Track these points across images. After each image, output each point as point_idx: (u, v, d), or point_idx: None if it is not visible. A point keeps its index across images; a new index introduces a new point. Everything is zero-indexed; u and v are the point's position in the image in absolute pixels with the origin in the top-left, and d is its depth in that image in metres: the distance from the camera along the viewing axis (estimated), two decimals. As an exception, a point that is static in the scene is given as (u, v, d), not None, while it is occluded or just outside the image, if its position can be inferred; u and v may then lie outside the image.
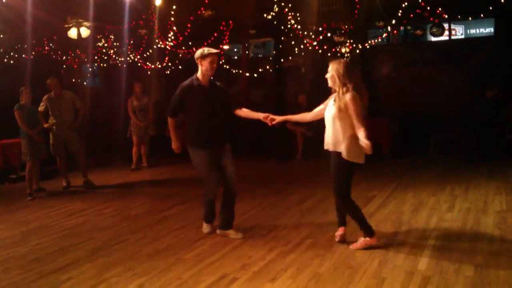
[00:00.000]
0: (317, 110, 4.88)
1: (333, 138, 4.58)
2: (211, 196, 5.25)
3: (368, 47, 11.33)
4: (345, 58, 4.70)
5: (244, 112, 5.22)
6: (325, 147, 4.71)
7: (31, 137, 7.84)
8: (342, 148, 4.51)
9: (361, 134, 4.37)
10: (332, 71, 4.51)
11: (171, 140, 5.35)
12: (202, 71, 5.10)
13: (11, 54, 12.29)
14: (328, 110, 4.63)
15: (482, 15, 10.48)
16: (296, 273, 4.13)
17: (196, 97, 5.06)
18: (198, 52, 5.09)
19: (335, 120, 4.52)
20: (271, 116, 5.02)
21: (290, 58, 12.21)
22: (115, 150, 10.88)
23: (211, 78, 5.19)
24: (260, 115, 5.06)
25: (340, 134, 4.52)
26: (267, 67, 12.28)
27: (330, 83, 4.59)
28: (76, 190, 8.37)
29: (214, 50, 5.11)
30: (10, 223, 6.39)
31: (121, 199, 7.48)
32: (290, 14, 10.88)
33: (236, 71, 12.42)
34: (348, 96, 4.42)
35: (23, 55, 12.08)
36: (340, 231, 4.90)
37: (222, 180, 5.15)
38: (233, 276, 4.14)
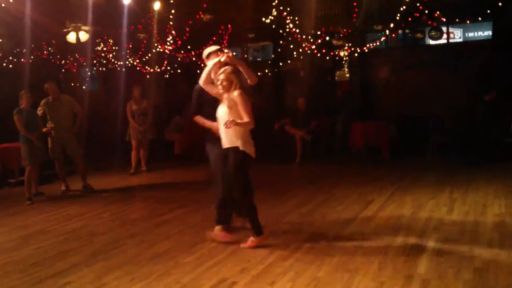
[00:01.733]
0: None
1: (228, 136, 4.83)
2: (227, 194, 5.09)
3: (366, 50, 11.36)
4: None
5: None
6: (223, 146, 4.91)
7: (31, 141, 7.83)
8: (239, 143, 4.77)
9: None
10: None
11: (211, 129, 5.16)
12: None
13: (10, 58, 12.31)
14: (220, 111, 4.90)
15: (480, 19, 10.51)
16: (295, 277, 4.12)
17: (208, 97, 5.10)
18: (206, 52, 5.22)
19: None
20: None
21: (289, 61, 12.24)
22: (114, 154, 10.87)
23: None
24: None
25: (234, 130, 4.76)
26: (266, 70, 12.30)
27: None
28: (75, 194, 8.37)
29: (214, 48, 5.19)
30: (9, 227, 6.38)
31: (120, 203, 7.47)
32: (288, 18, 10.92)
33: (235, 74, 12.41)
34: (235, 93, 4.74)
35: (22, 59, 12.10)
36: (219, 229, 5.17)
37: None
38: (233, 280, 4.13)
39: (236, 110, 4.73)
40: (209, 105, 5.11)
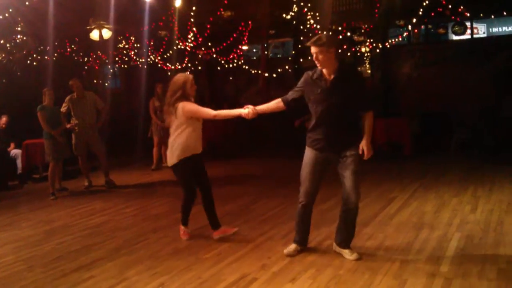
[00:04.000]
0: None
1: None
2: (301, 204, 4.72)
3: (388, 46, 11.23)
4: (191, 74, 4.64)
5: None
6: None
7: (54, 137, 7.95)
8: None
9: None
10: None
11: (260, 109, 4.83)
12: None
13: (34, 56, 12.51)
14: None
15: (505, 13, 10.30)
16: (316, 274, 4.11)
17: (306, 92, 4.58)
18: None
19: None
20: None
21: (309, 58, 12.15)
22: (136, 150, 10.98)
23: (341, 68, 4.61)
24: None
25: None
26: (286, 67, 12.26)
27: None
28: (98, 190, 8.47)
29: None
30: (34, 222, 6.50)
31: (142, 199, 7.54)
32: (309, 13, 10.85)
33: (255, 71, 12.43)
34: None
35: (46, 57, 12.28)
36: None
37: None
38: (253, 276, 4.14)
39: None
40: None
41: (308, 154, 4.57)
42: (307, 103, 4.55)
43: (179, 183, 5.29)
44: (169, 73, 13.12)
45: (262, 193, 7.38)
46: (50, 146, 7.99)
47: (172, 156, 5.21)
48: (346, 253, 4.47)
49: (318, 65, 4.48)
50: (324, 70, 4.47)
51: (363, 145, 4.37)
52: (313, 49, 4.44)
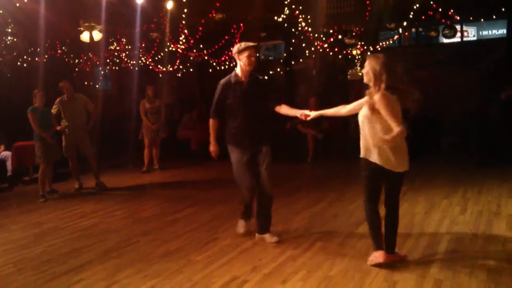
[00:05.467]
0: (354, 104, 4.39)
1: (363, 142, 4.23)
2: (247, 198, 5.10)
3: (379, 49, 11.29)
4: (382, 54, 4.27)
5: (283, 108, 5.04)
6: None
7: (45, 139, 7.91)
8: (374, 157, 4.13)
9: (393, 134, 4.00)
10: (368, 67, 4.13)
11: (210, 143, 5.11)
12: (241, 66, 4.99)
13: (25, 57, 12.44)
14: (362, 110, 4.22)
15: (494, 17, 10.40)
16: (306, 276, 4.12)
17: (234, 95, 4.93)
18: (235, 48, 5.00)
19: (365, 122, 4.16)
20: (306, 112, 4.86)
21: (301, 60, 12.21)
22: (126, 153, 10.94)
23: (252, 73, 5.04)
24: (297, 112, 4.94)
25: (370, 139, 4.13)
26: (278, 69, 12.28)
27: (365, 80, 4.18)
28: (88, 192, 8.43)
29: (251, 44, 5.01)
30: (23, 225, 6.45)
31: (133, 201, 7.52)
32: (300, 16, 10.88)
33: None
34: (377, 97, 4.01)
35: (36, 58, 12.22)
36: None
37: (256, 182, 4.98)
38: (244, 279, 4.14)
39: (378, 115, 4.06)
40: (237, 99, 4.93)
41: (235, 155, 4.99)
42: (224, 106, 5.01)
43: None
44: (160, 75, 13.11)
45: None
46: (41, 148, 7.94)
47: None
48: (267, 237, 5.05)
49: (250, 67, 4.96)
50: (240, 74, 4.99)
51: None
52: (251, 52, 4.95)
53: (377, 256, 4.21)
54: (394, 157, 4.14)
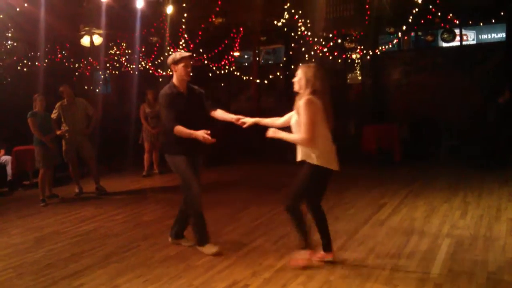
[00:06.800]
0: (288, 115, 4.55)
1: (298, 147, 4.38)
2: (198, 206, 5.01)
3: (378, 53, 11.32)
4: (314, 64, 4.47)
5: (218, 113, 5.04)
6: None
7: (45, 144, 7.91)
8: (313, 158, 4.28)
9: (294, 136, 4.27)
10: (301, 75, 4.31)
11: (196, 138, 4.75)
12: (177, 76, 4.91)
13: (25, 61, 12.46)
14: (293, 116, 4.40)
15: (493, 20, 10.43)
16: (306, 280, 4.12)
17: (179, 106, 4.84)
18: (170, 58, 4.90)
19: (295, 126, 4.33)
20: (242, 119, 4.79)
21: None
22: (127, 157, 10.95)
23: (187, 83, 5.00)
24: (233, 117, 4.86)
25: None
26: (278, 73, 12.31)
27: (296, 88, 4.36)
28: (88, 196, 8.43)
29: (186, 54, 4.92)
30: (23, 229, 6.45)
31: (133, 205, 7.52)
32: (300, 20, 10.91)
33: (247, 77, 12.46)
34: (301, 101, 4.20)
35: (36, 63, 12.24)
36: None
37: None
38: (244, 283, 4.14)
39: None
40: (179, 109, 4.84)
41: (182, 162, 4.92)
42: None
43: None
44: (160, 80, 13.12)
45: (251, 200, 7.38)
46: (41, 153, 7.95)
47: None
48: (184, 241, 5.26)
49: (186, 77, 4.92)
50: (178, 85, 4.94)
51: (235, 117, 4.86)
52: (187, 62, 4.88)
53: (327, 255, 4.46)
54: (330, 156, 4.34)
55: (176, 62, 4.87)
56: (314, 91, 4.22)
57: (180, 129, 4.76)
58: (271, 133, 4.38)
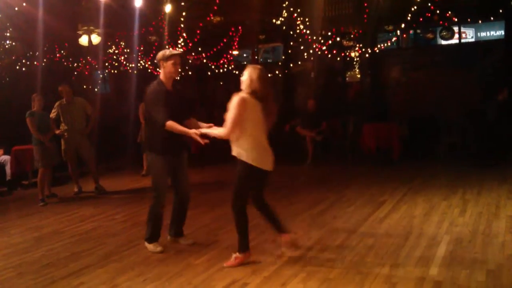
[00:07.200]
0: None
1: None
2: (161, 207, 5.10)
3: (377, 51, 11.32)
4: (261, 67, 4.52)
5: (191, 122, 4.96)
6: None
7: (43, 143, 7.91)
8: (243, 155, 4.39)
9: (217, 131, 4.44)
10: (247, 75, 4.41)
11: (187, 135, 4.74)
12: (165, 73, 4.91)
13: (23, 61, 12.44)
14: None
15: (492, 18, 10.43)
16: (306, 278, 4.12)
17: (168, 102, 4.82)
18: (160, 54, 4.91)
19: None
20: (199, 133, 4.59)
21: (299, 63, 12.23)
22: (126, 156, 10.94)
23: (173, 82, 5.03)
24: (191, 132, 4.64)
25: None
26: (277, 72, 12.30)
27: (242, 87, 4.44)
28: (88, 196, 8.43)
29: (176, 52, 4.98)
30: (23, 229, 6.45)
31: (132, 205, 7.51)
32: (298, 19, 10.91)
33: (246, 76, 12.44)
34: (235, 98, 4.30)
35: (35, 62, 12.23)
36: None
37: (175, 187, 5.14)
38: (244, 282, 4.14)
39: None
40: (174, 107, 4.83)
41: (158, 162, 4.95)
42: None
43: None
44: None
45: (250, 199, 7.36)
46: (39, 152, 7.94)
47: None
48: (182, 239, 5.25)
49: (175, 74, 4.96)
50: (165, 81, 4.95)
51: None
52: (177, 60, 4.91)
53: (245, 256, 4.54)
54: (260, 155, 4.44)
55: (165, 58, 4.88)
56: (252, 91, 4.34)
57: (172, 124, 4.71)
58: (194, 135, 4.54)
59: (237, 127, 4.30)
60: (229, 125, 4.30)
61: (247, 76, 4.40)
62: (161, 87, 4.92)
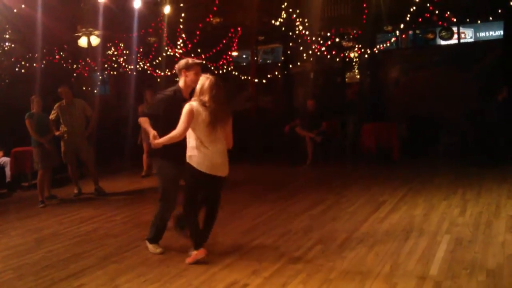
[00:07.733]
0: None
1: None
2: (168, 213, 5.13)
3: (376, 51, 11.32)
4: (214, 78, 4.60)
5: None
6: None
7: (43, 145, 7.91)
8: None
9: (171, 134, 4.51)
10: (200, 84, 4.57)
11: (149, 135, 4.77)
12: (186, 82, 4.89)
13: (23, 63, 12.45)
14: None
15: (491, 18, 10.43)
16: (307, 279, 4.12)
17: (176, 109, 4.61)
18: (183, 63, 4.89)
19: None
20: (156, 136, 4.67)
21: (298, 63, 12.24)
22: (125, 157, 10.94)
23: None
24: (150, 132, 4.75)
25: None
26: (276, 73, 12.30)
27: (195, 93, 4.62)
28: (87, 197, 8.42)
29: (198, 61, 4.96)
30: (23, 230, 6.44)
31: (132, 206, 7.51)
32: (298, 20, 10.91)
33: (245, 77, 12.46)
34: (186, 105, 4.50)
35: (34, 64, 12.22)
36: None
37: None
38: (244, 282, 4.14)
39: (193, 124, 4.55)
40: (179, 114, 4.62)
41: (171, 170, 4.94)
42: (157, 120, 4.88)
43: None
44: (158, 80, 13.11)
45: (251, 199, 7.39)
46: (39, 154, 7.94)
47: None
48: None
49: (194, 84, 4.75)
50: (185, 91, 4.93)
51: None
52: (198, 69, 4.88)
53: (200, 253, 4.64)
54: (206, 160, 4.56)
55: (188, 67, 4.88)
56: (200, 100, 4.51)
57: (144, 120, 4.92)
58: (152, 136, 4.68)
59: (186, 132, 4.51)
60: (179, 128, 4.48)
61: (200, 84, 4.56)
62: (179, 95, 4.89)
